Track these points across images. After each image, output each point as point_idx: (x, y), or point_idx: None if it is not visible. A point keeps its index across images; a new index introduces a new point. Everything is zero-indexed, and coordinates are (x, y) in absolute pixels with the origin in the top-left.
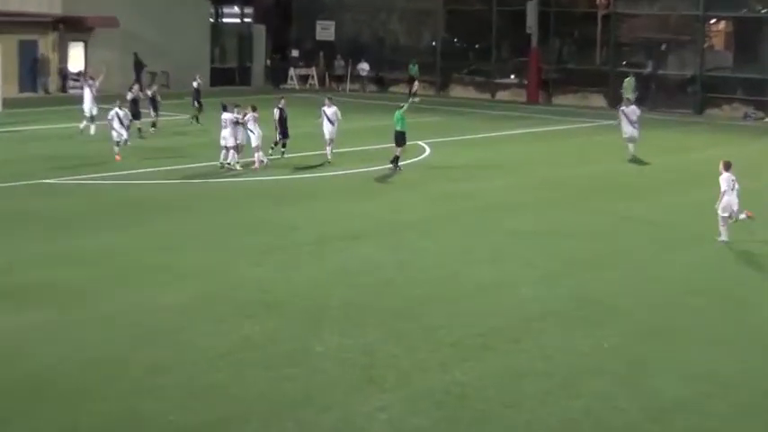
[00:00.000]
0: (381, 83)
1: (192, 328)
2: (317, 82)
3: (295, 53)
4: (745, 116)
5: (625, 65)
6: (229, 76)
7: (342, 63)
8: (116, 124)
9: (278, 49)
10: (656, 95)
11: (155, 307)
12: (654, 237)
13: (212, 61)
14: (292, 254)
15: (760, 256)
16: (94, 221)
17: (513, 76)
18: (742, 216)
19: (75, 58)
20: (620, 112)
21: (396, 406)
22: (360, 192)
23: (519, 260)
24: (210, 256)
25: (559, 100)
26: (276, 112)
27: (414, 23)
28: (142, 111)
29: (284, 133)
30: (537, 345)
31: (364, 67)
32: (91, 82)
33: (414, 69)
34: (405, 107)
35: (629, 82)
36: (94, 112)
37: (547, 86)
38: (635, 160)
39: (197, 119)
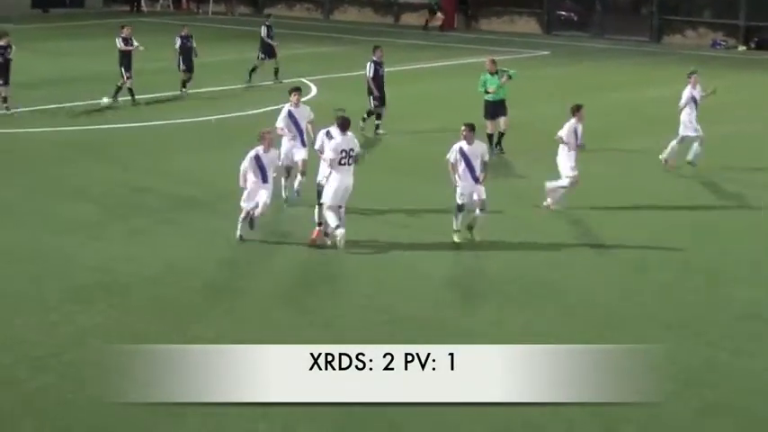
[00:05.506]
0: (255, 4)
1: (10, 321)
2: (170, 2)
3: None
4: (713, 44)
5: None
6: None
7: None
8: None
9: None
10: (602, 19)
11: None
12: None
13: None
14: (141, 224)
15: None
16: None
17: None
18: None
19: None
20: None
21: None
22: (220, 141)
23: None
24: (29, 229)
25: (481, 25)
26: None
27: None
28: None
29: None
30: None
31: None
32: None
33: None
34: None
35: None
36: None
37: (465, 8)
38: None
39: (276, 72)
